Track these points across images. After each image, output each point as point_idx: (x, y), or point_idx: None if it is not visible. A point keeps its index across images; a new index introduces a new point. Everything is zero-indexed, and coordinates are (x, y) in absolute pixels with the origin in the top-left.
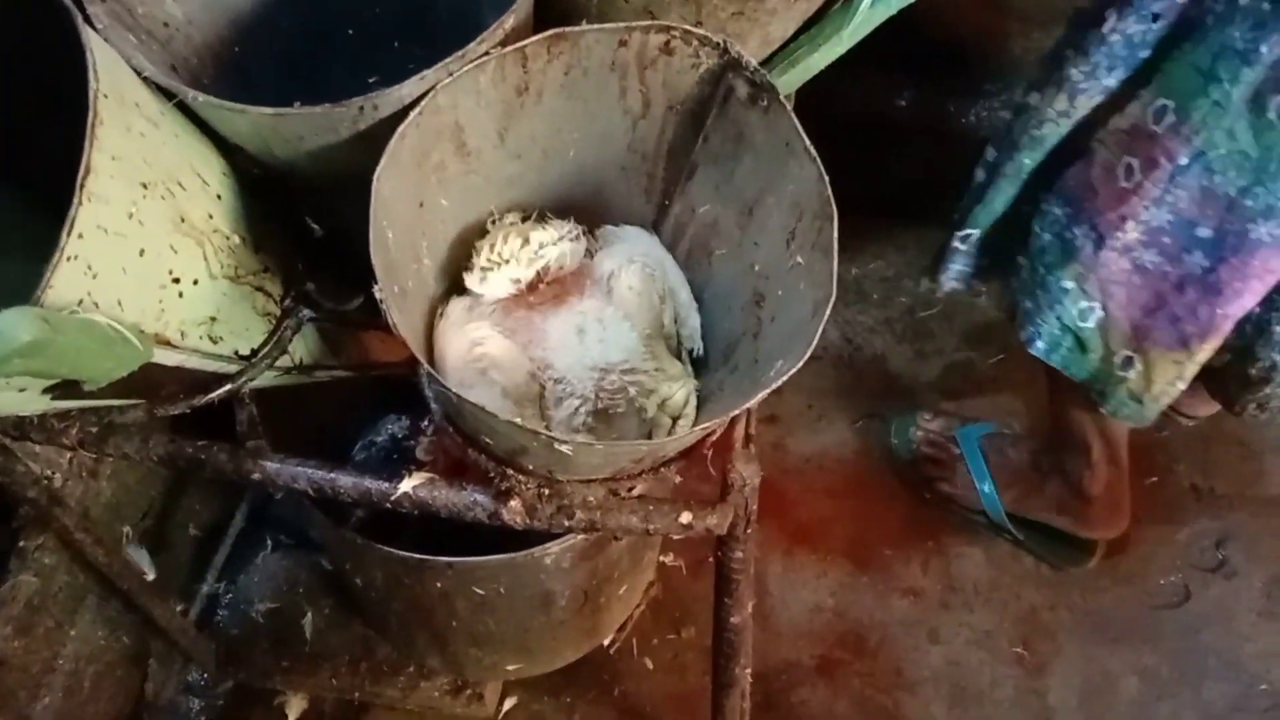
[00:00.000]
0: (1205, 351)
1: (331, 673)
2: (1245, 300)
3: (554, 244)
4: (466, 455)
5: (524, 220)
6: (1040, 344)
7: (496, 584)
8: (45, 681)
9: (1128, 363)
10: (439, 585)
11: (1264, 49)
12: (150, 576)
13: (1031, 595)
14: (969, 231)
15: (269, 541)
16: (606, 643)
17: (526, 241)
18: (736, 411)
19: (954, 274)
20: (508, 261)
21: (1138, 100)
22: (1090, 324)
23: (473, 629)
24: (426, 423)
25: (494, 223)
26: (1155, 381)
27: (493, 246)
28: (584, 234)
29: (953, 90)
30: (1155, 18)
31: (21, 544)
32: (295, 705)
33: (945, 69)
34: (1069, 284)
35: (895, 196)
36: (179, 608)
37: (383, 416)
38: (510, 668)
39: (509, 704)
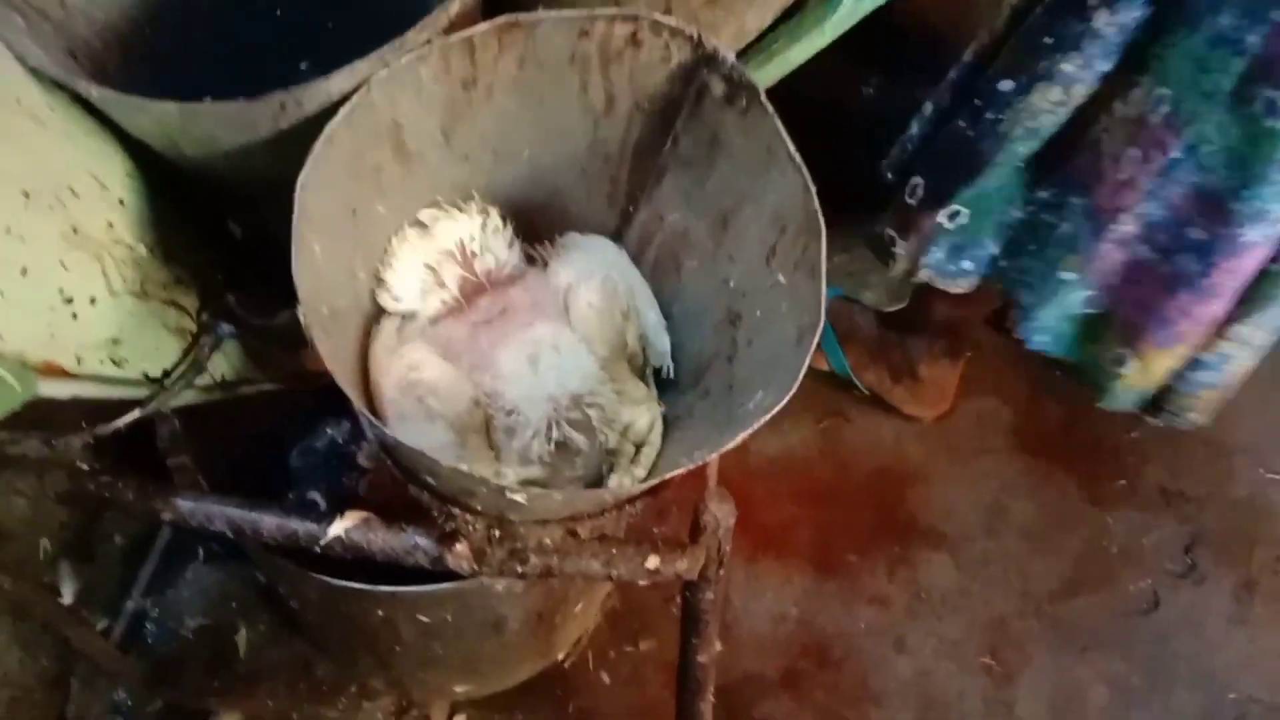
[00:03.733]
0: (1199, 341)
1: (268, 692)
2: (1236, 294)
3: (453, 222)
4: (407, 492)
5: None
6: (1041, 338)
7: (443, 611)
8: None
9: (1120, 360)
10: (380, 613)
11: (1251, 38)
12: (67, 601)
13: (1000, 603)
14: (956, 209)
15: (200, 552)
16: (560, 657)
17: (425, 228)
18: (715, 455)
19: (934, 261)
20: (403, 259)
21: (1140, 88)
22: (1095, 311)
23: (419, 653)
24: None
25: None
26: (1155, 373)
27: (387, 250)
28: (502, 218)
29: (921, 79)
30: (1148, 2)
31: None
32: None
33: (913, 56)
34: (1069, 275)
35: (859, 188)
36: (103, 624)
37: (321, 420)
38: (459, 689)
39: None
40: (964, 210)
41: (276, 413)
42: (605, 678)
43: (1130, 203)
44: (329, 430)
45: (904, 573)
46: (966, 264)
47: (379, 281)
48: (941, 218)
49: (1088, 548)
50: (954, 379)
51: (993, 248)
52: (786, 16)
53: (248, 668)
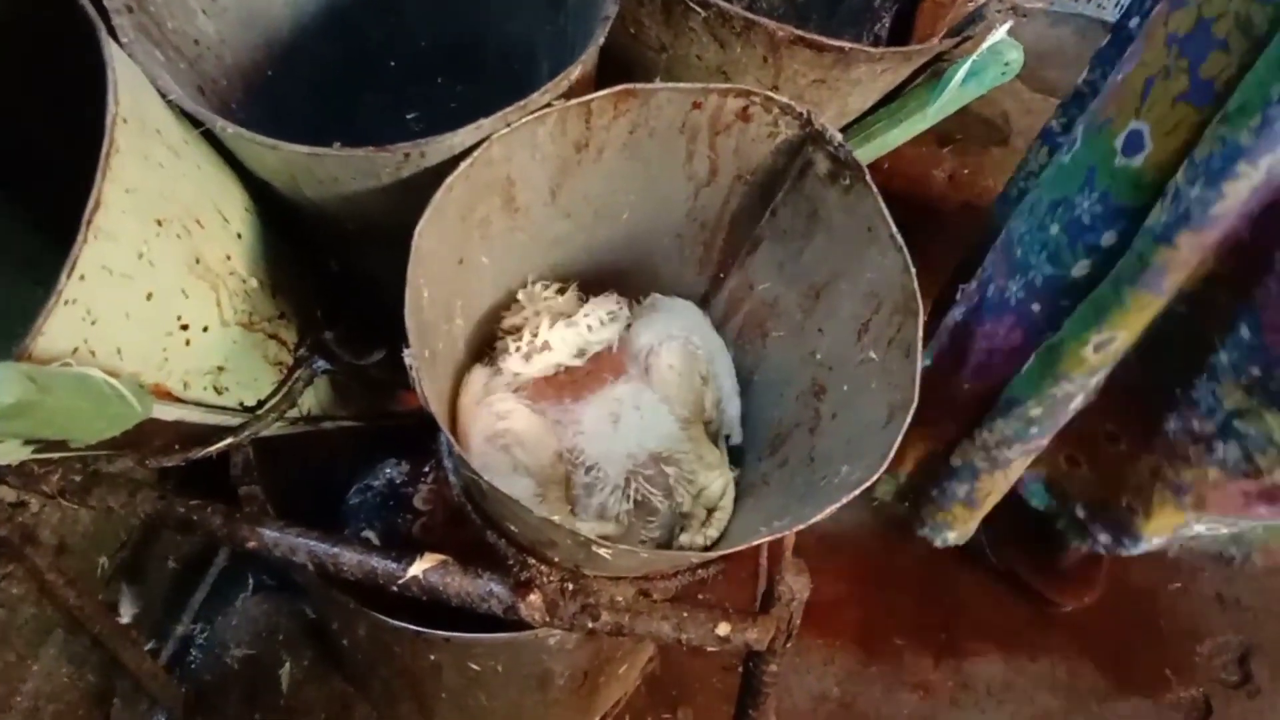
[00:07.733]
0: None
1: None
2: None
3: (602, 325)
4: (486, 537)
5: (559, 292)
6: None
7: (494, 661)
8: None
9: None
10: (432, 657)
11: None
12: (125, 621)
13: (1046, 700)
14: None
15: (251, 581)
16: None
17: (570, 316)
18: (799, 527)
19: None
20: (554, 348)
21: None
22: None
23: (462, 702)
24: (427, 469)
25: (526, 292)
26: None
27: (535, 333)
28: (626, 306)
29: (992, 166)
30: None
31: None
32: None
33: (986, 143)
34: None
35: (927, 268)
36: (150, 645)
37: (381, 459)
38: None
39: None
40: None
41: (334, 448)
42: None
43: None
44: (388, 471)
45: (950, 661)
46: None
47: (521, 350)
48: None
49: (1140, 649)
50: (1100, 570)
51: None
52: (889, 99)
53: (288, 702)
